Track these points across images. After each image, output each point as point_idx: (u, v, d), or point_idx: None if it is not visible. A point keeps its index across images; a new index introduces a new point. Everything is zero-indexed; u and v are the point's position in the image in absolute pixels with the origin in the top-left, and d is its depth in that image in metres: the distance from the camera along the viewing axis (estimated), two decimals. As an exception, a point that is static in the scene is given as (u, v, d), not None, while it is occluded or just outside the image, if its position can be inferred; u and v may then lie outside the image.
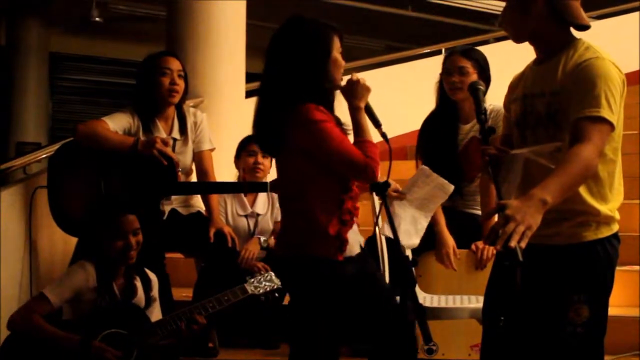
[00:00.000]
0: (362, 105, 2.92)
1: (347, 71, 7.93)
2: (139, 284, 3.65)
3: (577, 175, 2.36)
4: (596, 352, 2.57)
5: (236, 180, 4.77)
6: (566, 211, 2.50)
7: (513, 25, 2.67)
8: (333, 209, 2.85)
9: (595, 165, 2.42)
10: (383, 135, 2.87)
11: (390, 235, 2.97)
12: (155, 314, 3.67)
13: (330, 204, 2.85)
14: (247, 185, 4.49)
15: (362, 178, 2.90)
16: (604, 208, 2.54)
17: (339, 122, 2.92)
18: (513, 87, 2.81)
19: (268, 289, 3.70)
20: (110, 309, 3.52)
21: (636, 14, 8.81)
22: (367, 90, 2.93)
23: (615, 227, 2.59)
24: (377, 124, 2.93)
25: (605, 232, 2.56)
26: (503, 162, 2.63)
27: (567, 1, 2.60)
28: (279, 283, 3.75)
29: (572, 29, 2.65)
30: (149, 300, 3.67)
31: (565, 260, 2.55)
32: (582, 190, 2.50)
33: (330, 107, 2.92)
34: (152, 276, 3.74)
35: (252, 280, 3.70)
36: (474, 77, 4.04)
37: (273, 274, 3.77)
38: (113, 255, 3.56)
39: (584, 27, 2.63)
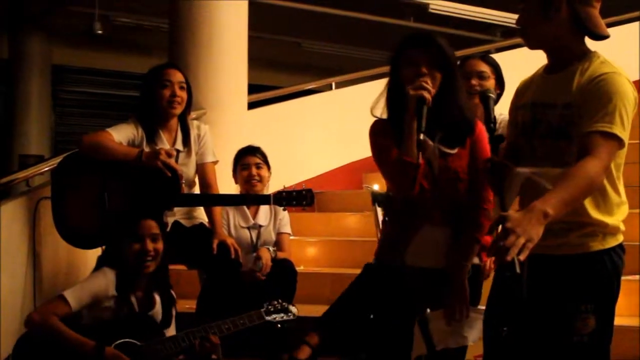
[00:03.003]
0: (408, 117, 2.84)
1: (349, 82, 7.94)
2: (158, 297, 3.66)
3: (580, 190, 2.35)
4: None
5: (239, 193, 4.79)
6: (572, 222, 2.49)
7: (532, 31, 2.61)
8: None
9: (601, 181, 2.40)
10: (418, 142, 2.72)
11: None
12: (170, 330, 3.68)
13: None
14: (251, 197, 4.49)
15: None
16: (610, 220, 2.53)
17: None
18: (520, 93, 2.77)
19: (285, 319, 3.75)
20: (127, 319, 3.54)
21: (636, 23, 8.81)
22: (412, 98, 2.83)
23: (620, 238, 2.58)
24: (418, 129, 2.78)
25: (611, 242, 2.55)
26: (506, 176, 2.61)
27: (589, 10, 2.56)
28: (296, 313, 3.80)
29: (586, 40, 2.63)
30: (168, 317, 3.67)
31: (572, 270, 2.53)
32: (588, 204, 2.49)
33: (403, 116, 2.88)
34: (173, 294, 3.77)
35: (270, 307, 3.74)
36: (491, 81, 4.10)
37: (289, 304, 3.83)
38: (130, 260, 3.58)
39: (603, 37, 2.58)
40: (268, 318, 3.70)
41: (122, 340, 3.45)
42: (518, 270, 2.15)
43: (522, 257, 2.17)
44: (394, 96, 2.98)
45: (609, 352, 2.57)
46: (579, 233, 2.53)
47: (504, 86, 4.18)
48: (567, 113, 2.52)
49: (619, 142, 2.43)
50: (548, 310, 2.55)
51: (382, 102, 3.03)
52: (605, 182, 2.49)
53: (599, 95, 2.45)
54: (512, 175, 2.60)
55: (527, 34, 2.64)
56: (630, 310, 4.17)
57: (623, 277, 2.59)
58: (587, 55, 2.59)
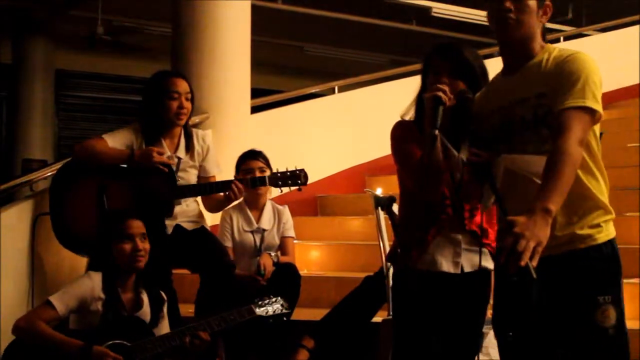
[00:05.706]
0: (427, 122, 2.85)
1: (352, 85, 7.94)
2: (145, 297, 3.66)
3: (567, 172, 2.35)
4: (626, 349, 2.55)
5: (242, 199, 4.76)
6: (574, 213, 2.51)
7: (526, 21, 2.64)
8: None
9: (580, 153, 2.42)
10: (430, 135, 2.70)
11: None
12: (161, 330, 3.67)
13: None
14: (247, 181, 4.37)
15: None
16: (604, 199, 2.56)
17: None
18: (478, 107, 2.79)
19: (277, 312, 3.71)
20: (115, 321, 3.53)
21: (636, 27, 8.84)
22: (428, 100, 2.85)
23: (612, 224, 2.60)
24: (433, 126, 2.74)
25: (611, 232, 2.57)
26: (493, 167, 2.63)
27: None
28: (288, 308, 3.76)
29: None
30: (156, 316, 3.67)
31: (584, 264, 2.53)
32: (587, 184, 2.52)
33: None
34: (163, 295, 3.76)
35: (260, 302, 3.71)
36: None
37: (281, 299, 3.78)
38: (123, 260, 3.58)
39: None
40: (259, 312, 3.66)
41: (112, 342, 3.44)
42: (534, 275, 2.16)
43: (534, 263, 2.17)
44: (419, 104, 3.03)
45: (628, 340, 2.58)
46: (582, 224, 2.53)
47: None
48: (542, 102, 2.56)
49: (592, 114, 2.46)
50: (567, 308, 2.54)
51: (413, 109, 3.09)
52: (590, 161, 2.52)
53: (567, 75, 2.51)
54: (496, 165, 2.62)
55: (520, 22, 2.64)
56: (630, 314, 4.15)
57: (624, 280, 2.60)
58: (543, 48, 2.67)
